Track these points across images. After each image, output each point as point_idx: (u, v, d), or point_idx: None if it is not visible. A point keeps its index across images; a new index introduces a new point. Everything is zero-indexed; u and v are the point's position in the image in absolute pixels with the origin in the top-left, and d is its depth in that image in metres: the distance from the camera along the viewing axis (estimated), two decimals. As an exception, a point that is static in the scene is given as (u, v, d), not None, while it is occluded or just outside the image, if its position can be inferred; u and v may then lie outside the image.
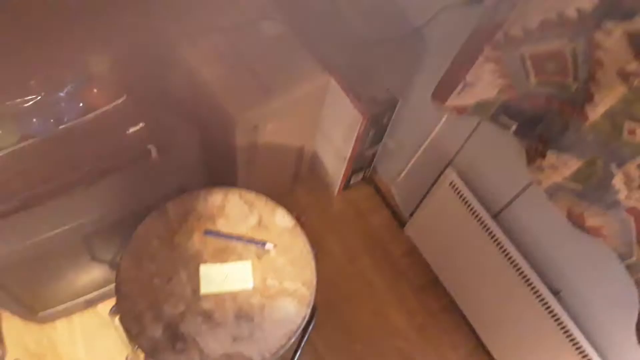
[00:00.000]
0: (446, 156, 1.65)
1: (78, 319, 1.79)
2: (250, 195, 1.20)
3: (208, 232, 1.15)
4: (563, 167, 1.04)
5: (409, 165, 1.82)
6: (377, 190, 2.09)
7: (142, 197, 1.36)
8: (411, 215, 1.97)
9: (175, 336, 1.06)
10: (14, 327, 1.76)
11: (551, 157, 1.05)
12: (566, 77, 0.99)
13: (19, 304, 1.55)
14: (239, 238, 1.15)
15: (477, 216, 1.53)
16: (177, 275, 1.11)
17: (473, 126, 1.46)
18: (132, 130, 1.38)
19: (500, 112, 1.14)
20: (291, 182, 1.98)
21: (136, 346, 1.33)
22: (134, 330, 1.05)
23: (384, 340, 1.85)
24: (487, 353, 1.82)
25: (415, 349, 1.84)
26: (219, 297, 1.10)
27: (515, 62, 1.02)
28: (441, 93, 1.15)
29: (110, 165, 1.37)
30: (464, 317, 1.87)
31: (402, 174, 1.89)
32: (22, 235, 1.25)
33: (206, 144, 1.55)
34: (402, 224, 2.02)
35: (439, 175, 1.70)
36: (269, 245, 1.15)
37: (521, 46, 0.99)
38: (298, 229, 1.16)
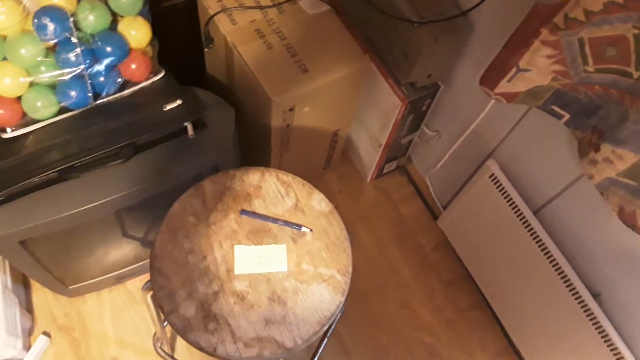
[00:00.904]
0: (487, 147, 1.59)
1: (107, 294, 1.79)
2: (287, 177, 1.17)
3: (244, 212, 1.13)
4: (618, 161, 0.98)
5: (447, 155, 1.77)
6: (411, 180, 2.05)
7: (176, 174, 1.34)
8: (445, 207, 1.92)
9: (208, 316, 1.03)
10: (44, 299, 1.77)
11: (606, 150, 0.99)
12: (627, 65, 0.94)
13: (51, 276, 1.54)
14: (275, 220, 1.12)
15: (517, 211, 1.47)
16: (211, 254, 1.09)
17: (519, 115, 1.40)
18: (169, 107, 1.35)
19: (552, 101, 1.08)
20: (323, 167, 1.94)
21: (165, 323, 1.32)
22: (167, 308, 1.03)
23: (410, 334, 1.81)
24: (518, 354, 1.77)
25: (441, 345, 1.80)
26: (252, 279, 1.07)
27: (573, 47, 0.97)
28: (490, 79, 1.09)
29: (146, 142, 1.35)
30: (494, 316, 1.82)
31: (439, 165, 1.83)
32: (57, 207, 1.24)
33: (241, 124, 1.52)
34: (434, 216, 1.97)
35: (478, 167, 1.65)
36: (305, 229, 1.12)
37: (581, 30, 0.93)
38: (335, 215, 1.13)
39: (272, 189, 1.16)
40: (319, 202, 1.16)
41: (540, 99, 1.08)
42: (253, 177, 1.17)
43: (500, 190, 1.52)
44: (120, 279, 1.78)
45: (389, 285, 1.87)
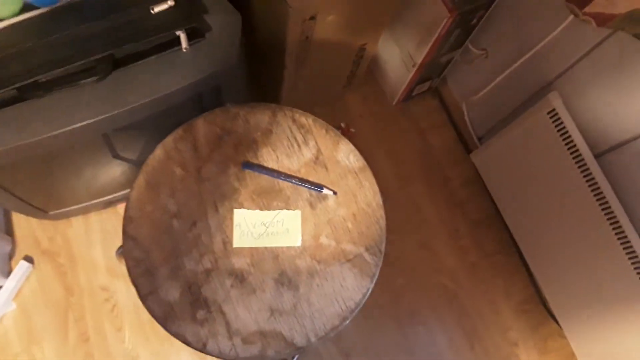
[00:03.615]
0: (547, 76, 1.25)
1: (96, 218, 1.52)
2: (307, 119, 0.85)
3: (247, 165, 0.82)
4: None
5: (495, 81, 1.42)
6: (444, 105, 1.70)
7: (167, 99, 1.02)
8: (480, 139, 1.60)
9: (197, 301, 0.76)
10: (25, 221, 1.51)
11: None
12: None
13: (24, 203, 1.27)
14: (288, 177, 0.81)
15: (575, 153, 1.17)
16: (203, 219, 0.79)
17: (594, 42, 1.05)
18: (157, 9, 1.00)
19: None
20: (343, 87, 1.60)
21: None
22: (143, 289, 0.76)
23: (428, 277, 1.57)
24: (544, 304, 1.53)
25: (462, 291, 1.56)
26: (256, 254, 0.79)
27: None
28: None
29: (128, 53, 1.01)
30: (523, 262, 1.57)
31: (483, 91, 1.49)
32: (11, 134, 0.93)
33: (249, 38, 1.16)
34: (467, 148, 1.66)
35: (530, 98, 1.31)
36: (327, 191, 0.81)
37: None
38: (367, 173, 0.82)
39: (285, 134, 0.85)
40: (346, 154, 0.84)
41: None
42: (261, 118, 0.85)
43: (558, 128, 1.21)
44: (110, 204, 1.51)
45: (409, 223, 1.60)
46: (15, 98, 0.98)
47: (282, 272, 0.78)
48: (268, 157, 0.83)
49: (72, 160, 1.24)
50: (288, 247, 0.79)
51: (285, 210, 0.81)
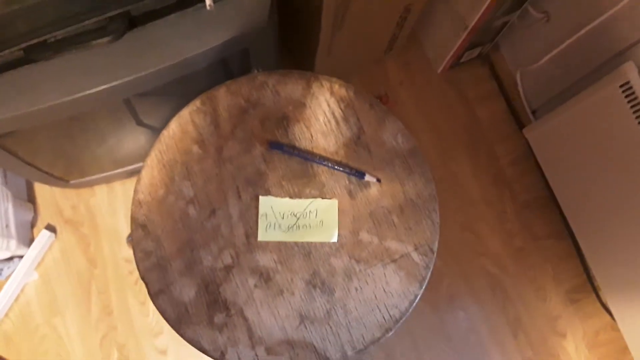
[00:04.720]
0: (617, 45, 1.06)
1: (120, 187, 1.41)
2: (348, 92, 0.69)
3: (275, 145, 0.67)
4: None
5: (556, 49, 1.23)
6: (495, 74, 1.51)
7: (189, 64, 0.87)
8: (535, 112, 1.42)
9: (215, 303, 0.63)
10: (47, 189, 1.41)
11: None
12: None
13: (41, 173, 1.16)
14: (324, 160, 0.67)
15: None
16: (224, 207, 0.66)
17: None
18: (179, -39, 0.85)
19: None
20: (383, 52, 1.42)
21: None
22: (153, 286, 0.63)
23: (470, 261, 1.42)
24: (596, 293, 1.38)
25: (507, 277, 1.41)
26: (284, 250, 0.65)
27: None
28: None
29: (146, 10, 0.87)
30: (576, 248, 1.41)
31: (541, 60, 1.30)
32: (35, 97, 0.81)
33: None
34: (519, 122, 1.47)
35: (596, 69, 1.13)
36: (369, 178, 0.67)
37: None
38: (419, 158, 0.67)
39: (322, 108, 0.70)
40: (393, 134, 0.69)
41: None
42: (293, 88, 0.70)
43: (632, 104, 1.03)
44: (134, 173, 1.39)
45: (451, 203, 1.44)
46: (21, 60, 0.86)
47: (314, 272, 0.65)
48: (301, 136, 0.68)
49: (93, 128, 1.12)
50: (322, 243, 0.66)
51: (319, 199, 0.66)
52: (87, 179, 1.32)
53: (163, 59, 0.85)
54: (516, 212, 1.46)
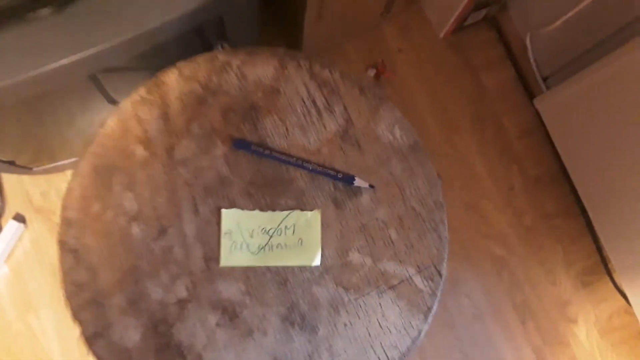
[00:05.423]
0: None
1: (93, 171, 1.24)
2: (333, 73, 0.52)
3: (241, 144, 0.51)
4: None
5: (574, 9, 1.05)
6: (502, 38, 1.33)
7: (152, 36, 0.71)
8: (546, 80, 1.24)
9: (166, 348, 0.48)
10: (15, 175, 1.26)
11: None
12: None
13: (7, 165, 1.02)
14: (302, 161, 0.50)
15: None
16: (176, 224, 0.50)
17: None
18: None
19: None
20: (380, 14, 1.24)
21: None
22: (87, 327, 0.48)
23: (475, 243, 1.27)
24: (610, 275, 1.24)
25: (514, 258, 1.27)
26: (253, 278, 0.50)
27: None
28: None
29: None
30: (589, 227, 1.27)
31: (555, 22, 1.11)
32: None
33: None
34: (529, 92, 1.30)
35: (618, 32, 0.96)
36: (360, 183, 0.50)
37: None
38: (421, 155, 0.50)
39: (299, 95, 0.53)
40: (390, 126, 0.52)
41: None
42: (264, 70, 0.53)
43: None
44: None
45: (454, 180, 1.29)
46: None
47: (292, 305, 0.49)
48: (273, 131, 0.52)
49: (59, 109, 0.97)
50: (301, 268, 0.50)
51: (297, 212, 0.51)
52: (59, 163, 1.16)
53: (122, 31, 0.68)
54: (525, 189, 1.30)
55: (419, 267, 0.50)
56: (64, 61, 0.68)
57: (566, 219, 1.31)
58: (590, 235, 1.30)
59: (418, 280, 0.50)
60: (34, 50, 0.69)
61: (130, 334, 0.48)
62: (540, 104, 1.22)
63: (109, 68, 0.78)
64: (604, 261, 1.29)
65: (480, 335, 1.24)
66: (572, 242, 1.30)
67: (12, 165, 1.08)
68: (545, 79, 1.26)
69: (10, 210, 1.25)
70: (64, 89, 0.87)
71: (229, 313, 0.49)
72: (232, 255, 0.50)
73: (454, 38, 1.32)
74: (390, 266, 0.50)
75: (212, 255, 0.50)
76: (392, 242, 0.51)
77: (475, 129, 1.30)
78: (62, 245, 0.49)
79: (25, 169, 1.13)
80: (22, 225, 1.23)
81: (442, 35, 1.30)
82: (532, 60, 1.26)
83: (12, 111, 0.89)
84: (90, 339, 0.48)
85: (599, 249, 1.29)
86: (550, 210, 1.31)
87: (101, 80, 0.90)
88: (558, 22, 1.11)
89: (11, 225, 1.21)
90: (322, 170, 0.51)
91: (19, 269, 1.22)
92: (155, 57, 0.74)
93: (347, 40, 1.26)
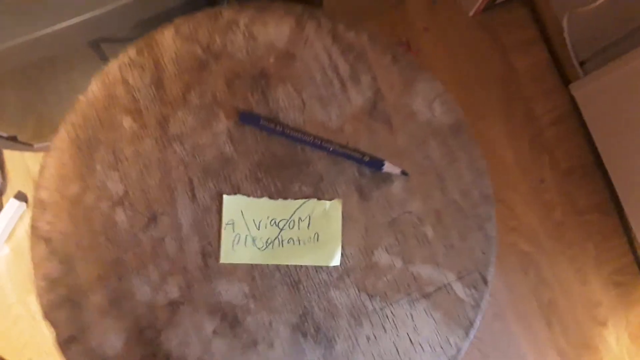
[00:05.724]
0: None
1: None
2: (360, 37, 0.42)
3: (248, 118, 0.41)
4: None
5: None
6: (537, 17, 1.22)
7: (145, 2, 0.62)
8: (582, 64, 1.13)
9: (151, 358, 0.39)
10: (17, 153, 1.19)
11: None
12: None
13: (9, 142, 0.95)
14: (320, 141, 0.41)
15: None
16: (169, 211, 0.41)
17: None
18: None
19: None
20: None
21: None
22: (62, 329, 0.39)
23: (501, 237, 1.18)
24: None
25: (542, 255, 1.18)
26: (259, 278, 0.41)
27: None
28: None
29: None
30: (624, 225, 1.17)
31: (597, 1, 1.00)
32: None
33: None
34: (564, 76, 1.19)
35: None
36: (391, 168, 0.41)
37: None
38: (466, 136, 0.40)
39: (319, 62, 0.43)
40: (428, 101, 0.42)
41: None
42: (277, 30, 0.43)
43: None
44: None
45: (481, 170, 1.18)
46: None
47: (304, 312, 0.40)
48: (287, 103, 0.42)
49: (60, 80, 0.90)
50: (317, 268, 0.41)
51: (314, 201, 0.41)
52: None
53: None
54: (556, 181, 1.20)
55: (459, 272, 0.41)
56: (63, 24, 0.60)
57: (600, 215, 1.21)
58: (625, 233, 1.20)
59: (458, 288, 0.41)
60: (32, 13, 0.62)
61: (111, 339, 0.39)
62: (576, 90, 1.11)
63: (112, 38, 0.70)
64: (638, 261, 1.19)
65: (501, 335, 1.16)
66: (605, 240, 1.20)
67: (14, 142, 1.01)
68: (582, 64, 1.15)
69: (11, 189, 1.18)
70: (65, 57, 0.80)
71: (229, 319, 0.40)
72: (234, 250, 0.41)
73: (484, 17, 1.21)
74: (424, 270, 0.41)
75: (210, 249, 0.41)
76: (427, 241, 0.41)
77: (503, 115, 1.19)
78: (34, 231, 0.40)
79: (27, 146, 1.06)
80: (23, 204, 1.16)
81: (471, 13, 1.19)
82: (568, 42, 1.15)
83: (13, 80, 0.83)
84: (64, 344, 0.39)
85: (633, 248, 1.19)
86: (582, 205, 1.20)
87: (105, 51, 0.82)
88: (597, 2, 1.00)
89: (12, 204, 1.14)
90: (345, 152, 0.41)
91: (20, 249, 1.16)
92: (155, 23, 0.66)
93: (368, 18, 1.16)
